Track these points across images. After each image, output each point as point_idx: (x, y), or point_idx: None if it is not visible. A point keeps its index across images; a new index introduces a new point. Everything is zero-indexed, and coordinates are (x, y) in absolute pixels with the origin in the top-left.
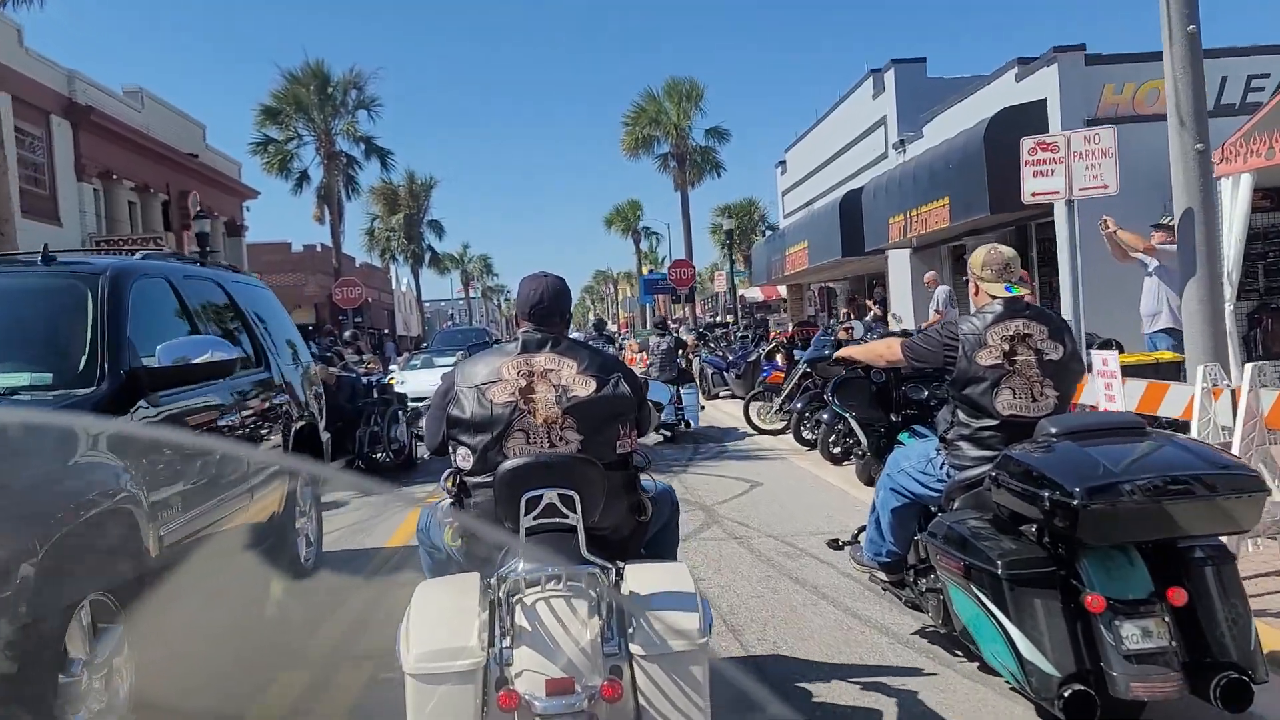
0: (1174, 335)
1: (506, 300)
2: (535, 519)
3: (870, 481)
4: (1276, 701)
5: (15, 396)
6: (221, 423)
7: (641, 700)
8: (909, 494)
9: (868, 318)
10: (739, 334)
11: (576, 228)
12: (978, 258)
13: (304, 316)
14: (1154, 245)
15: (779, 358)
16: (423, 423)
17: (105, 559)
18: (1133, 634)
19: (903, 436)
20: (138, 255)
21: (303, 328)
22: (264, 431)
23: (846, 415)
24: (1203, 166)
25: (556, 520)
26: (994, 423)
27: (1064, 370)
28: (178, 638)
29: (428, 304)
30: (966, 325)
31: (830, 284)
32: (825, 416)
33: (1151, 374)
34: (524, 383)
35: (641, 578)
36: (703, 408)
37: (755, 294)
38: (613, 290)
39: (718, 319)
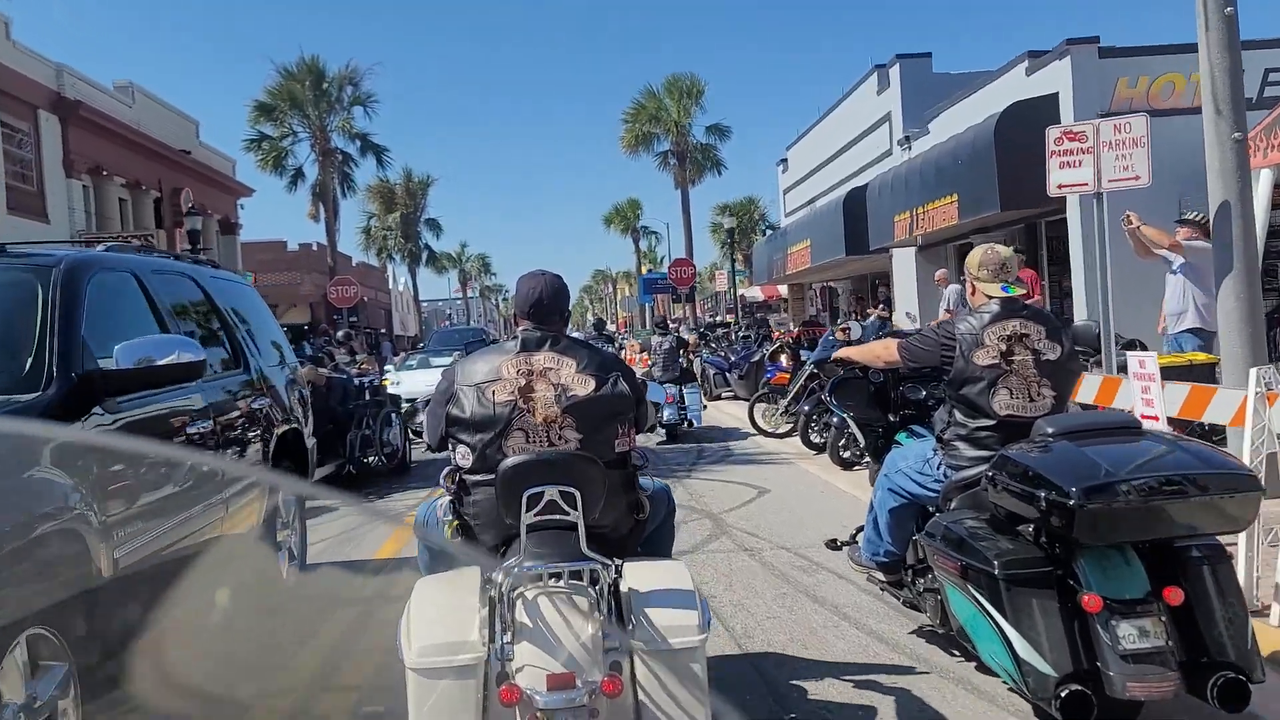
0: (1201, 336)
1: (505, 300)
2: (536, 516)
3: None
4: (1273, 701)
5: None
6: (191, 430)
7: (641, 695)
8: (906, 494)
9: (871, 319)
10: (740, 334)
11: (575, 227)
12: (974, 258)
13: (300, 316)
14: (1179, 241)
15: (783, 358)
16: (420, 419)
17: (47, 588)
18: (1129, 634)
19: (900, 437)
20: (100, 247)
21: (298, 327)
22: (242, 438)
23: (844, 415)
24: (1240, 157)
25: (557, 517)
26: (991, 423)
27: (1061, 370)
28: (136, 672)
29: (425, 303)
30: (963, 325)
31: (832, 283)
32: (834, 420)
33: (1184, 376)
34: (523, 381)
35: (641, 575)
36: (704, 407)
37: (755, 294)
38: (611, 290)
39: (718, 319)
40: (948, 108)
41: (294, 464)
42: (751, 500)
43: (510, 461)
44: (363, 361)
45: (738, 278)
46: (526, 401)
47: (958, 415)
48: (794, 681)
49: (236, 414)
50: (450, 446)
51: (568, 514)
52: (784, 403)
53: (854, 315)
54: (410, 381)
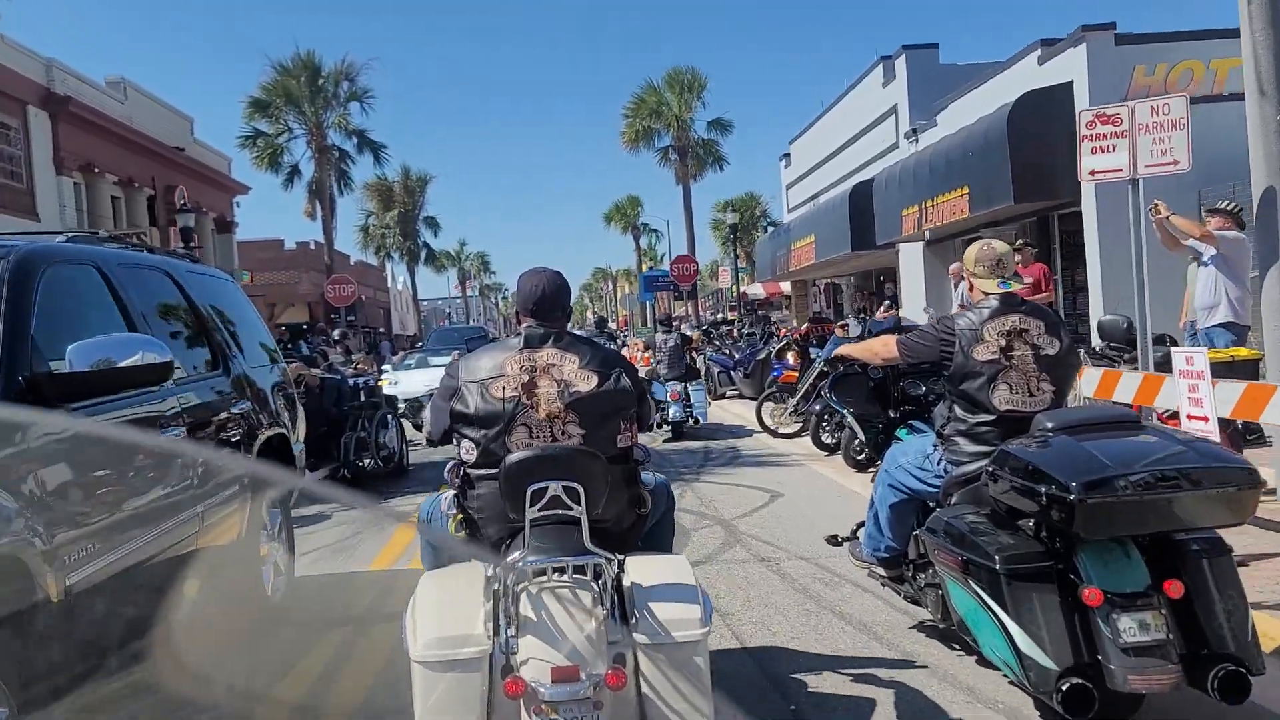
0: (1234, 330)
1: (504, 299)
2: (540, 510)
3: None
4: (1273, 692)
5: None
6: (164, 437)
7: (645, 688)
8: (907, 489)
9: (890, 318)
10: (745, 331)
11: (575, 225)
12: (971, 254)
13: (298, 315)
14: (1211, 231)
15: (790, 356)
16: (426, 414)
17: None
18: (1130, 627)
19: (900, 432)
20: (61, 238)
21: (296, 326)
22: (221, 445)
23: (844, 411)
24: None
25: (560, 512)
26: (991, 418)
27: (1060, 365)
28: (93, 713)
29: (424, 302)
30: (963, 320)
31: (836, 280)
32: (848, 419)
33: (1225, 373)
34: (526, 378)
35: (643, 569)
36: (709, 404)
37: (757, 291)
38: (611, 288)
39: (721, 316)
40: (956, 99)
41: (276, 472)
42: (764, 505)
43: (514, 457)
44: (358, 361)
45: (739, 275)
46: (530, 397)
47: (958, 411)
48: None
49: (213, 419)
50: (455, 441)
51: (571, 509)
52: (793, 402)
53: (864, 312)
54: (408, 381)
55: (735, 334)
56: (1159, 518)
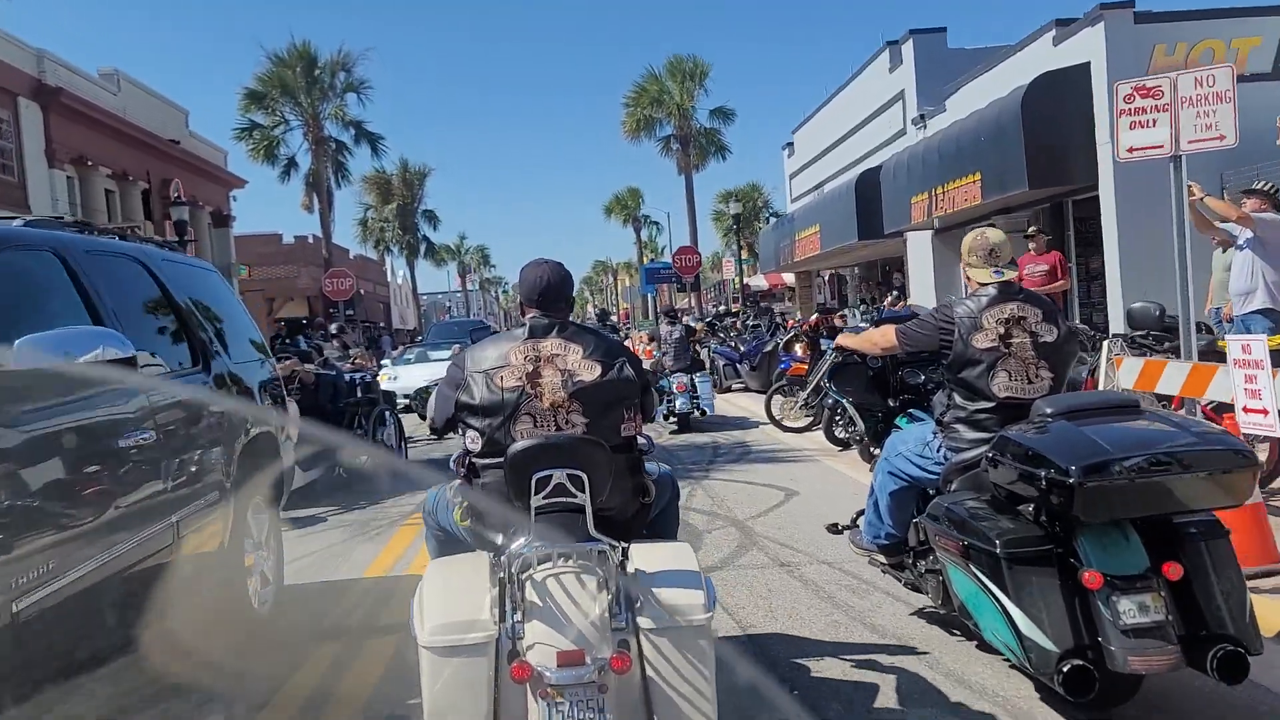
0: (1272, 316)
1: (505, 292)
2: (545, 498)
3: None
4: (1272, 672)
5: None
6: (125, 441)
7: (649, 671)
8: (907, 477)
9: (885, 303)
10: (750, 323)
11: (575, 218)
12: (965, 243)
13: (297, 310)
14: (1248, 214)
15: (799, 348)
16: (431, 403)
17: None
18: (1130, 609)
19: (900, 421)
20: (18, 221)
21: (295, 321)
22: (198, 449)
23: (843, 401)
24: None
25: (565, 500)
26: (990, 405)
27: (1058, 352)
28: None
29: (424, 296)
30: (961, 308)
31: (841, 270)
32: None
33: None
34: (531, 368)
35: (647, 556)
36: (715, 396)
37: (759, 282)
38: (612, 281)
39: (725, 308)
40: (966, 83)
41: (264, 474)
42: (779, 504)
43: (519, 445)
44: (356, 356)
45: (742, 266)
46: (534, 387)
47: (957, 398)
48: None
49: (189, 420)
50: (460, 431)
51: (575, 497)
52: (803, 395)
53: (869, 302)
54: (408, 376)
55: (739, 326)
56: (1157, 500)
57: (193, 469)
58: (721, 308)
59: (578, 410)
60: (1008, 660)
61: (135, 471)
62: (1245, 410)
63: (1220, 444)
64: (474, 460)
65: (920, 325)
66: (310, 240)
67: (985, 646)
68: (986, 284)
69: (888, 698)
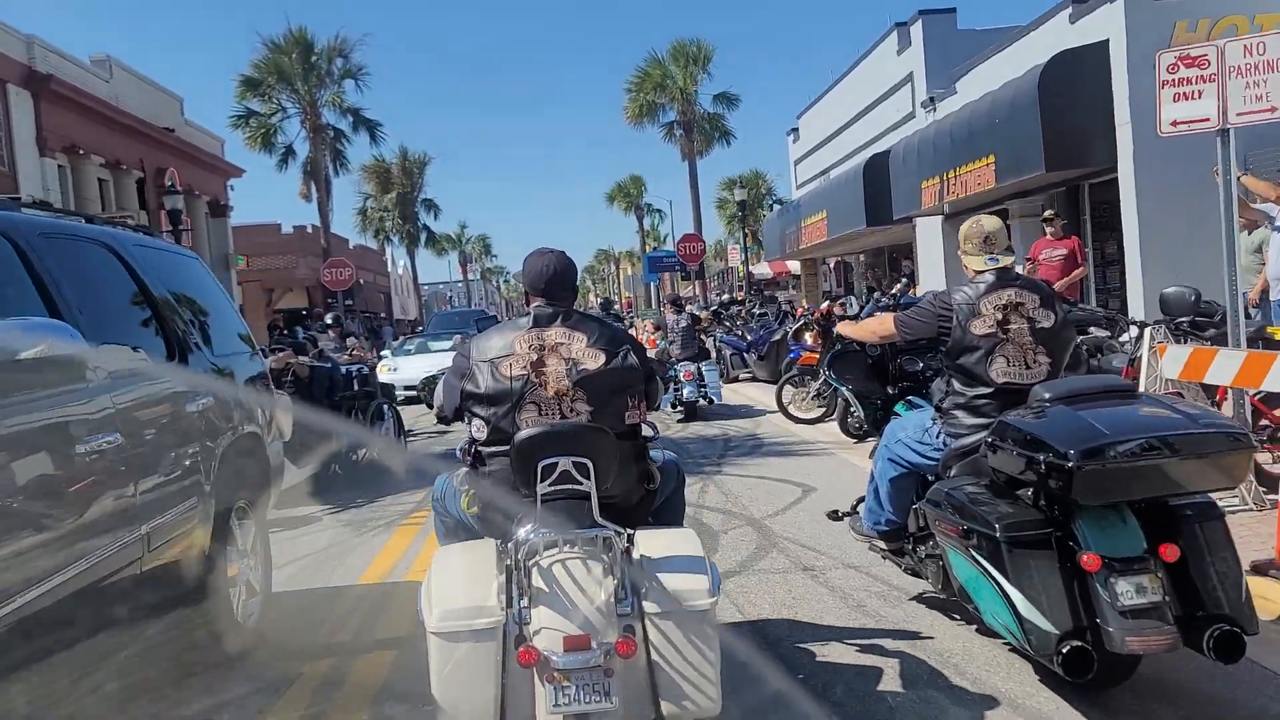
0: None
1: (506, 282)
2: (550, 485)
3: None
4: (1269, 652)
5: None
6: (83, 447)
7: (654, 656)
8: (906, 463)
9: (894, 290)
10: (757, 312)
11: (577, 207)
12: (961, 231)
13: (296, 300)
14: None
15: (809, 337)
16: (438, 392)
17: None
18: (1127, 590)
19: (899, 408)
20: None
21: (294, 312)
22: (173, 451)
23: (842, 388)
24: None
25: (570, 487)
26: (988, 390)
27: (1055, 338)
28: None
29: (425, 286)
30: (959, 295)
31: (847, 257)
32: None
33: None
34: (535, 356)
35: (652, 542)
36: (722, 385)
37: (764, 270)
38: (614, 269)
39: (730, 296)
40: (977, 65)
41: (249, 476)
42: (796, 501)
43: (525, 433)
44: (353, 348)
45: (747, 253)
46: (539, 375)
47: (955, 385)
48: None
49: (161, 421)
50: (466, 419)
51: (580, 484)
52: (815, 385)
53: (876, 289)
54: (408, 368)
55: (745, 314)
56: (1154, 483)
57: (166, 474)
58: (725, 296)
59: (582, 398)
60: (1007, 643)
61: (96, 480)
62: None
63: (1216, 427)
64: (480, 448)
65: (918, 313)
66: (309, 230)
67: (985, 630)
68: (983, 271)
69: (891, 682)
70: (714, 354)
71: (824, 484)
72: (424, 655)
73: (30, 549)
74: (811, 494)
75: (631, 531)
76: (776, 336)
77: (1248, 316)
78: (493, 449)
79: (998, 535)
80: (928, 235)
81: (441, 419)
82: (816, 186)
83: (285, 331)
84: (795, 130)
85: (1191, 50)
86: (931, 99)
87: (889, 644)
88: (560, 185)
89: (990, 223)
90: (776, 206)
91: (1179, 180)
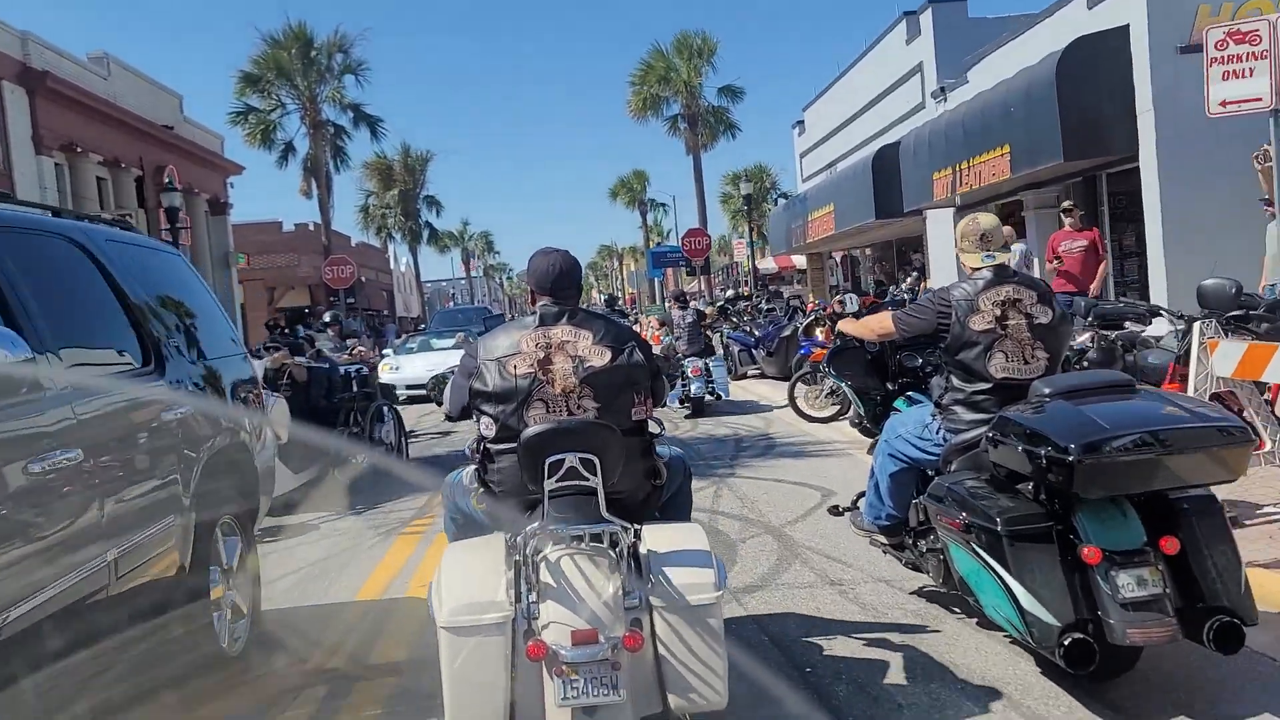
0: None
1: (509, 279)
2: (558, 482)
3: None
4: (1269, 643)
5: None
6: (39, 465)
7: (661, 649)
8: (906, 459)
9: (905, 284)
10: (765, 307)
11: (580, 203)
12: (958, 229)
13: (298, 299)
14: None
15: (820, 333)
16: (446, 391)
17: None
18: (1128, 583)
19: (898, 403)
20: None
21: (297, 310)
22: (146, 466)
23: (842, 384)
24: None
25: (578, 483)
26: (987, 386)
27: (1053, 333)
28: None
29: (428, 284)
30: (958, 291)
31: (854, 251)
32: None
33: None
34: (542, 354)
35: (659, 537)
36: (729, 381)
37: (768, 265)
38: (617, 265)
39: (737, 291)
40: (990, 53)
41: (235, 489)
42: (816, 507)
43: (532, 430)
44: (353, 347)
45: (753, 248)
46: (545, 373)
47: (955, 380)
48: None
49: (132, 433)
50: (475, 417)
51: (587, 480)
52: (829, 383)
53: (897, 282)
54: (410, 367)
55: (752, 310)
56: (1155, 476)
57: (138, 491)
58: (730, 292)
59: (589, 395)
60: (1008, 636)
61: (52, 502)
62: None
63: (1216, 421)
64: (488, 445)
65: (918, 310)
66: (311, 228)
67: (985, 623)
68: (980, 268)
69: (895, 675)
70: (721, 350)
71: (843, 487)
72: (424, 682)
73: None
74: (831, 498)
75: (638, 526)
76: (786, 332)
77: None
78: (501, 446)
79: (999, 529)
80: (939, 228)
81: (449, 418)
82: (823, 179)
83: (286, 330)
84: (801, 123)
85: (1242, 25)
86: (942, 89)
87: (905, 647)
88: (563, 181)
89: (987, 220)
90: (781, 201)
91: (1203, 168)
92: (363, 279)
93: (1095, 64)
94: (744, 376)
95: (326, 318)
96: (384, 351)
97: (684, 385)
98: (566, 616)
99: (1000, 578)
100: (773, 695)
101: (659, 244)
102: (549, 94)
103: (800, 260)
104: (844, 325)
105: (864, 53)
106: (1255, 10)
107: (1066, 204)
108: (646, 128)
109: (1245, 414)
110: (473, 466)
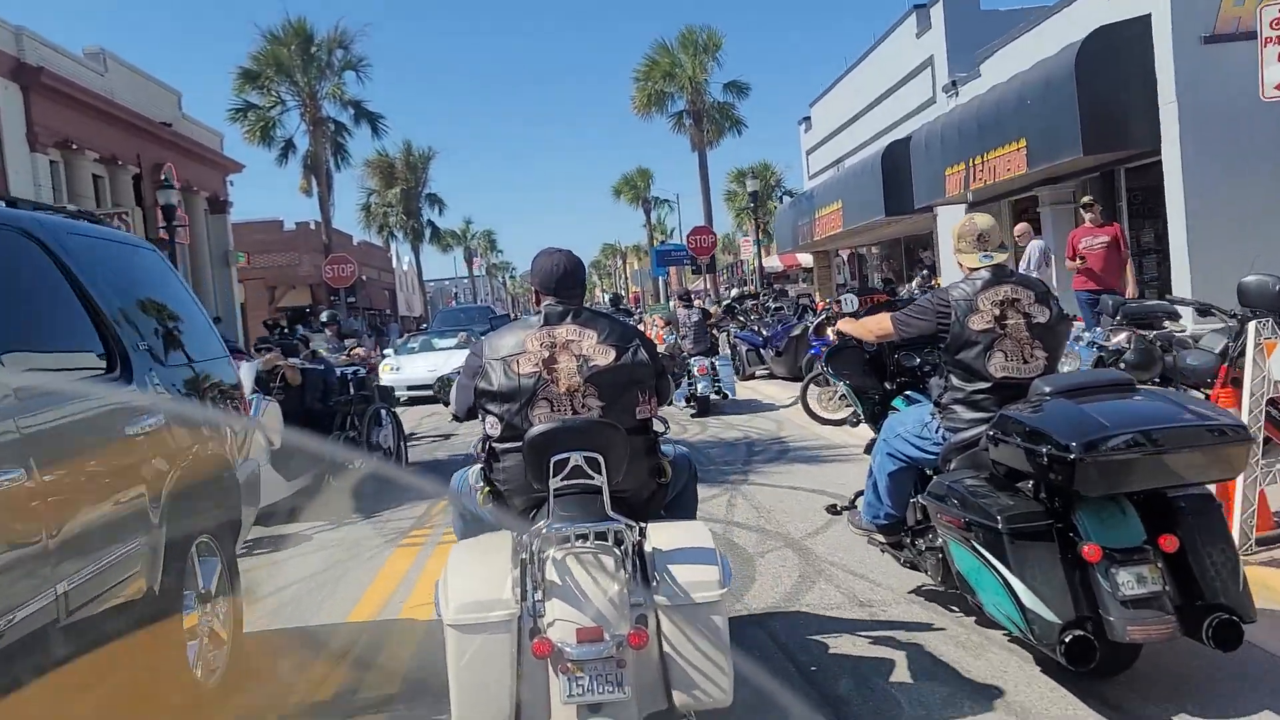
0: None
1: (512, 277)
2: (563, 480)
3: None
4: (1269, 638)
5: None
6: None
7: (666, 647)
8: (905, 458)
9: (916, 282)
10: (773, 306)
11: (583, 201)
12: (955, 230)
13: (299, 298)
14: None
15: (831, 332)
16: (453, 392)
17: None
18: (1128, 580)
19: (897, 403)
20: None
21: (298, 310)
22: (107, 485)
23: (841, 383)
24: None
25: (582, 482)
26: (987, 385)
27: (1051, 332)
28: None
29: (430, 283)
30: (957, 291)
31: (860, 249)
32: None
33: None
34: (547, 354)
35: (663, 535)
36: (735, 380)
37: (774, 263)
38: (620, 264)
39: (745, 290)
40: (1003, 46)
41: (213, 505)
42: (836, 517)
43: (537, 429)
44: (351, 348)
45: (759, 246)
46: (550, 372)
47: (954, 380)
48: None
49: (90, 448)
50: (481, 416)
51: (592, 479)
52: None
53: (892, 282)
54: (411, 367)
55: (759, 309)
56: (1155, 474)
57: (97, 514)
58: (735, 291)
59: (593, 394)
60: (1007, 634)
61: None
62: None
63: (1215, 419)
64: (494, 445)
65: (918, 311)
66: (312, 226)
67: (984, 621)
68: (978, 268)
69: (895, 673)
70: (729, 349)
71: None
72: (419, 712)
73: None
74: (851, 509)
75: (643, 525)
76: (796, 332)
77: None
78: (506, 445)
79: (1000, 527)
80: (950, 225)
81: (456, 417)
82: (830, 176)
83: (286, 330)
84: (807, 119)
85: None
86: (954, 83)
87: (905, 645)
88: (566, 179)
89: (983, 221)
90: (786, 198)
91: (1230, 161)
92: (364, 278)
93: (1116, 54)
94: (752, 377)
95: (324, 317)
96: (385, 351)
97: (690, 384)
98: (572, 614)
99: (1001, 575)
100: (774, 694)
101: (663, 242)
102: (551, 92)
103: (806, 258)
104: (843, 325)
105: (873, 47)
106: None
107: (1086, 199)
108: (651, 124)
109: None
110: (478, 465)
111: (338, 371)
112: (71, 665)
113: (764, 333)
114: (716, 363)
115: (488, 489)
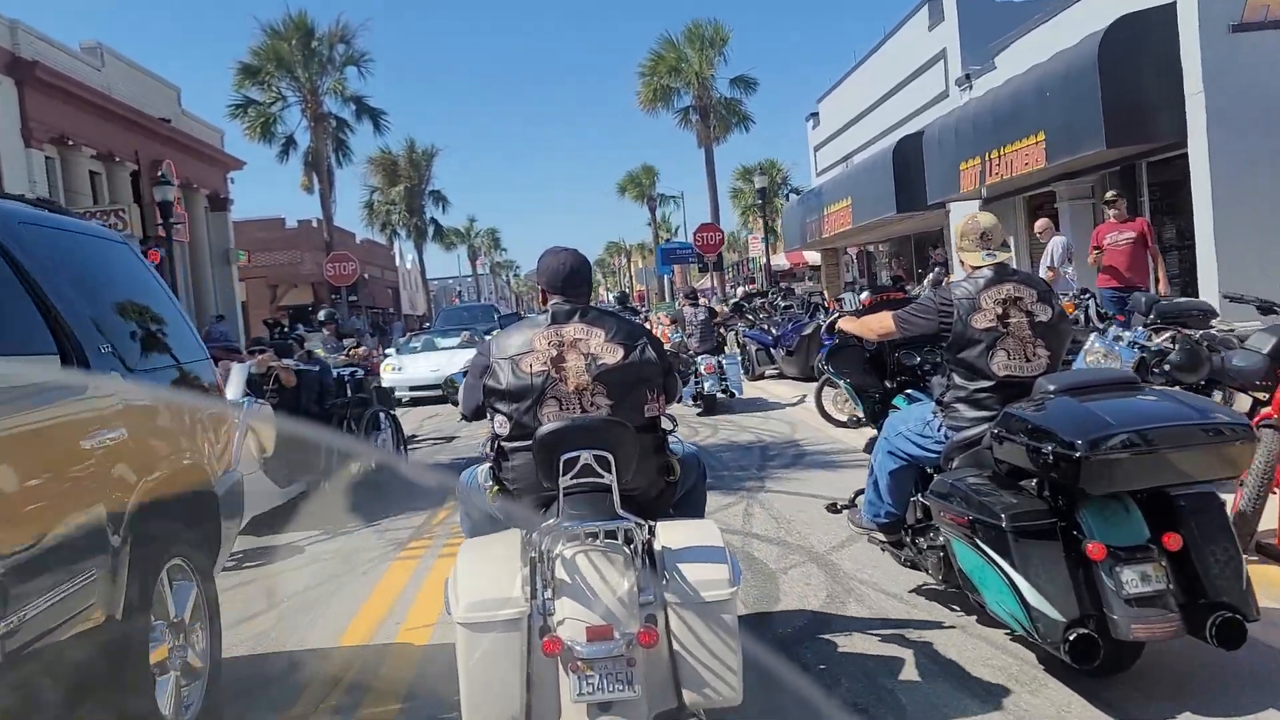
0: None
1: (516, 276)
2: (572, 479)
3: None
4: (1273, 636)
5: None
6: None
7: (676, 645)
8: (906, 456)
9: (929, 280)
10: (782, 304)
11: (587, 199)
12: (957, 228)
13: (301, 296)
14: None
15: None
16: (460, 391)
17: None
18: (1132, 579)
19: (898, 401)
20: None
21: (301, 309)
22: (57, 508)
23: (841, 382)
24: None
25: (592, 480)
26: (990, 384)
27: (1053, 331)
28: None
29: (434, 281)
30: (959, 290)
31: (868, 247)
32: None
33: None
34: (555, 352)
35: (673, 533)
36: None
37: (780, 261)
38: (625, 262)
39: (755, 288)
40: (1019, 37)
41: (188, 524)
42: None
43: (546, 428)
44: (351, 348)
45: (767, 244)
46: (558, 371)
47: (956, 378)
48: None
49: (38, 466)
50: (489, 415)
51: (602, 477)
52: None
53: (901, 279)
54: (414, 367)
55: (768, 307)
56: (1159, 472)
57: (44, 543)
58: (743, 289)
59: (602, 393)
60: (1009, 632)
61: None
62: None
63: (1219, 418)
64: (503, 444)
65: (920, 310)
66: (314, 224)
67: (986, 620)
68: (980, 267)
69: (897, 672)
70: (737, 349)
71: None
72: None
73: None
74: None
75: (652, 523)
76: (807, 331)
77: None
78: (515, 444)
79: (1004, 525)
80: None
81: (464, 417)
82: (839, 173)
83: (286, 329)
84: (815, 115)
85: None
86: (967, 76)
87: (906, 644)
88: (570, 176)
89: (986, 219)
90: (793, 195)
91: (1258, 153)
92: (366, 276)
93: (1139, 44)
94: (761, 377)
95: (321, 316)
96: (388, 351)
97: (697, 383)
98: (581, 613)
99: (1005, 573)
100: (778, 693)
101: (668, 240)
102: (551, 91)
103: (813, 256)
104: (844, 323)
105: (883, 40)
106: None
107: (1110, 194)
108: (657, 120)
109: None
110: (487, 464)
111: (334, 373)
112: (12, 709)
113: (774, 332)
114: (724, 361)
115: (497, 487)
